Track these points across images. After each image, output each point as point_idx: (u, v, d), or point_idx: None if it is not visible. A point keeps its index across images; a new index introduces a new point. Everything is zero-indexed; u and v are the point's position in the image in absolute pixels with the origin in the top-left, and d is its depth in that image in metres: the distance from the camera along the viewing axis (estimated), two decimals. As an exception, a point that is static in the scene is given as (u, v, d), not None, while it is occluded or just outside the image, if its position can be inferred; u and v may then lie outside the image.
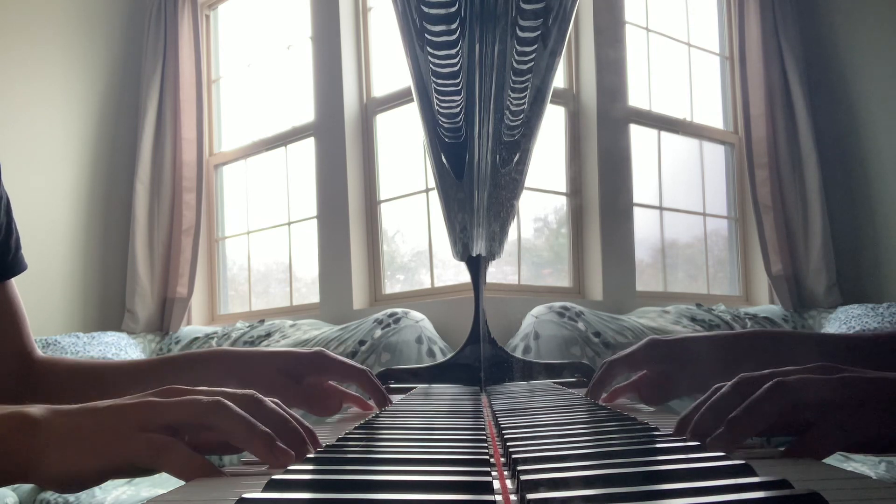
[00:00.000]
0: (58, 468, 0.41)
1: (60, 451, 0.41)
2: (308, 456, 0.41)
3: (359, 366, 0.77)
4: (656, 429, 0.44)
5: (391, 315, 2.25)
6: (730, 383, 0.45)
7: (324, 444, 0.45)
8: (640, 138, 2.82)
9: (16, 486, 2.05)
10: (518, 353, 2.00)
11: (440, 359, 1.54)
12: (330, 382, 0.79)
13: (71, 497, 1.85)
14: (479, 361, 0.95)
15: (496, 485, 0.31)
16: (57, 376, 0.76)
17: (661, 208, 2.93)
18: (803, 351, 0.70)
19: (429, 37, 0.56)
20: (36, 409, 0.42)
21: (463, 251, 0.96)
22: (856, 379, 0.42)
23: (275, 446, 0.42)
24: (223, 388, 0.46)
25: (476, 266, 0.97)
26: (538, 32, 0.56)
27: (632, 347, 0.77)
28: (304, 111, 2.96)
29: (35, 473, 0.41)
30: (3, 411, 0.42)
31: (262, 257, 3.23)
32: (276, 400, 0.49)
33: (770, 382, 0.42)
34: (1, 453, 0.41)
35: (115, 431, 0.41)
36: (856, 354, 0.69)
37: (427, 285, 2.65)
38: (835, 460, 1.69)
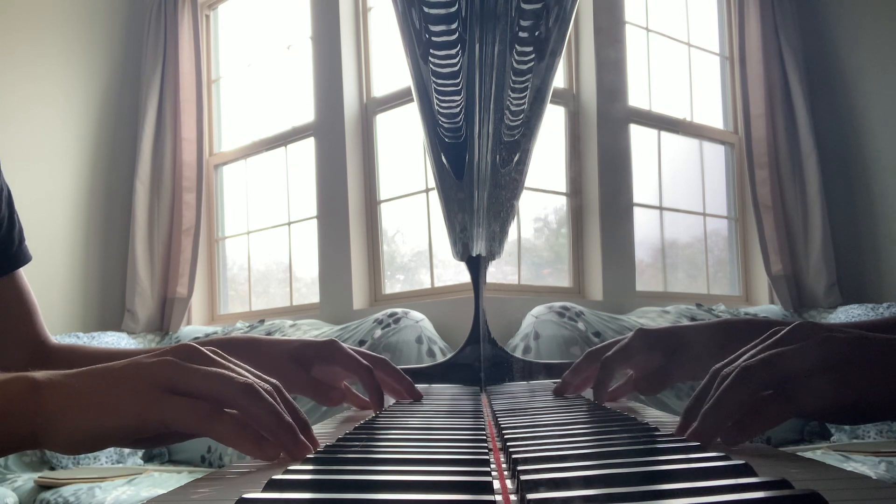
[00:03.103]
0: (69, 430, 0.40)
1: (72, 412, 0.40)
2: (308, 456, 0.41)
3: (365, 362, 0.76)
4: (656, 429, 0.44)
5: (391, 315, 2.25)
6: (706, 378, 0.46)
7: (323, 445, 0.45)
8: (640, 138, 2.82)
9: (16, 485, 2.05)
10: (518, 353, 2.00)
11: (440, 359, 1.54)
12: (347, 386, 0.79)
13: (71, 497, 1.85)
14: (479, 361, 0.95)
15: (496, 485, 0.31)
16: (75, 364, 0.76)
17: (661, 208, 2.93)
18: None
19: (429, 37, 0.56)
20: (39, 373, 0.42)
21: (463, 251, 0.96)
22: (831, 339, 0.42)
23: (298, 438, 0.42)
24: (248, 367, 0.47)
25: (476, 266, 0.97)
26: (538, 32, 0.56)
27: (622, 342, 0.76)
28: (304, 111, 2.96)
29: (45, 437, 0.41)
30: (6, 377, 0.42)
31: (262, 257, 3.23)
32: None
33: (737, 370, 0.43)
34: (6, 417, 0.40)
35: (137, 390, 0.41)
36: None
37: (427, 285, 2.65)
38: (835, 460, 1.69)
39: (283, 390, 0.47)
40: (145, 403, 0.40)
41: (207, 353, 0.45)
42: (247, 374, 0.45)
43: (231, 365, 0.46)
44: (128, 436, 0.41)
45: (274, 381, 0.47)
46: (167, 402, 0.40)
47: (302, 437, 0.43)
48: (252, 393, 0.42)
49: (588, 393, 0.83)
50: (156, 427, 0.41)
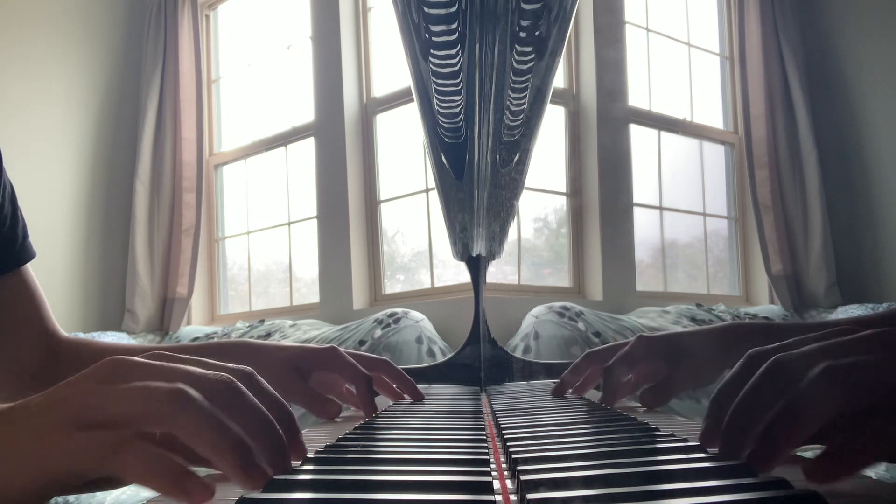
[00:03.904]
0: None
1: None
2: (308, 456, 0.41)
3: (364, 371, 0.75)
4: (656, 429, 0.44)
5: (391, 315, 2.25)
6: (739, 364, 0.37)
7: (323, 445, 0.45)
8: (640, 138, 2.82)
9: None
10: (518, 353, 2.00)
11: (440, 359, 1.54)
12: (349, 388, 0.78)
13: (71, 497, 1.85)
14: (479, 361, 0.95)
15: (496, 485, 0.31)
16: (85, 361, 0.75)
17: (661, 208, 2.93)
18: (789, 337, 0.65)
19: (429, 37, 0.56)
20: None
21: (463, 251, 0.96)
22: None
23: (250, 465, 0.31)
24: (210, 360, 0.37)
25: (476, 266, 0.97)
26: (538, 32, 0.56)
27: (624, 349, 0.74)
28: (304, 111, 2.96)
29: None
30: None
31: (262, 257, 3.23)
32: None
33: (817, 369, 0.32)
34: None
35: (41, 432, 0.31)
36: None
37: (427, 285, 2.65)
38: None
39: (260, 379, 0.37)
40: (51, 448, 0.30)
41: (141, 361, 0.34)
42: (195, 370, 0.35)
43: (180, 366, 0.35)
44: (53, 493, 0.31)
45: (246, 368, 0.37)
46: (75, 439, 0.30)
47: (256, 461, 0.32)
48: (180, 400, 0.31)
49: (588, 394, 0.83)
50: (65, 478, 0.30)
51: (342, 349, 0.77)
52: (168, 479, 0.29)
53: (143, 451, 0.30)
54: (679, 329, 2.37)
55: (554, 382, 0.91)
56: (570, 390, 0.80)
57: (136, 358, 0.35)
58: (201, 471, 0.34)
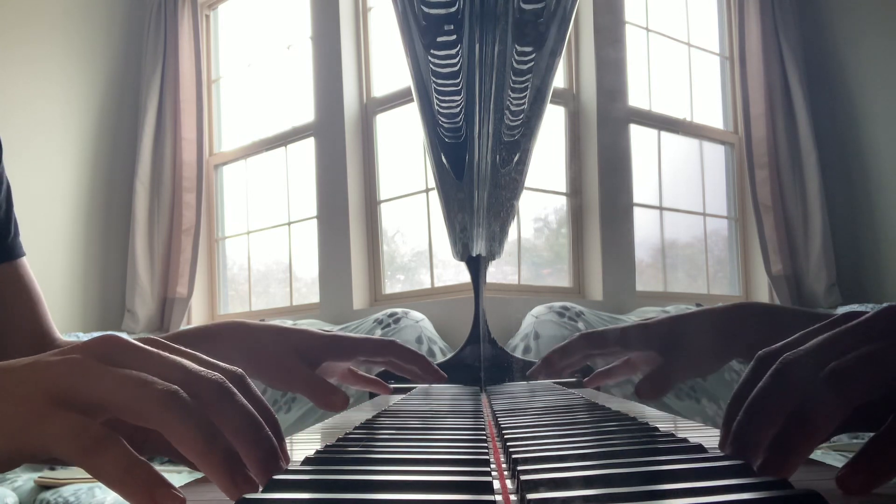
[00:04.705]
0: None
1: None
2: (308, 456, 0.41)
3: (384, 339, 0.72)
4: (656, 429, 0.44)
5: (391, 315, 2.25)
6: (749, 368, 0.35)
7: (324, 445, 0.45)
8: (640, 138, 2.82)
9: (16, 485, 2.05)
10: (518, 353, 2.00)
11: (440, 359, 1.54)
12: (352, 369, 0.74)
13: (71, 497, 1.85)
14: (479, 361, 0.95)
15: (496, 485, 0.31)
16: None
17: (661, 208, 2.93)
18: (798, 326, 0.63)
19: (429, 37, 0.56)
20: None
21: (463, 251, 0.95)
22: None
23: (238, 474, 0.31)
24: (197, 354, 0.36)
25: (476, 266, 0.97)
26: (538, 32, 0.56)
27: (614, 328, 0.74)
28: (304, 111, 2.96)
29: None
30: None
31: (262, 257, 3.23)
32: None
33: (825, 369, 0.31)
34: None
35: (20, 401, 0.30)
36: None
37: (427, 285, 2.65)
38: (834, 460, 1.69)
39: (249, 383, 0.36)
40: (26, 420, 0.29)
41: (137, 345, 0.34)
42: (191, 366, 0.34)
43: (175, 359, 0.34)
44: (17, 462, 0.31)
45: (238, 370, 0.36)
46: (52, 419, 0.29)
47: (246, 471, 0.31)
48: (174, 404, 0.30)
49: (589, 392, 0.83)
50: (35, 453, 0.30)
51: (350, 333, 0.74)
52: (140, 490, 0.28)
53: (121, 455, 0.29)
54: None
55: (555, 383, 0.91)
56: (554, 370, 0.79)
57: (131, 340, 0.34)
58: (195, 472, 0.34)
